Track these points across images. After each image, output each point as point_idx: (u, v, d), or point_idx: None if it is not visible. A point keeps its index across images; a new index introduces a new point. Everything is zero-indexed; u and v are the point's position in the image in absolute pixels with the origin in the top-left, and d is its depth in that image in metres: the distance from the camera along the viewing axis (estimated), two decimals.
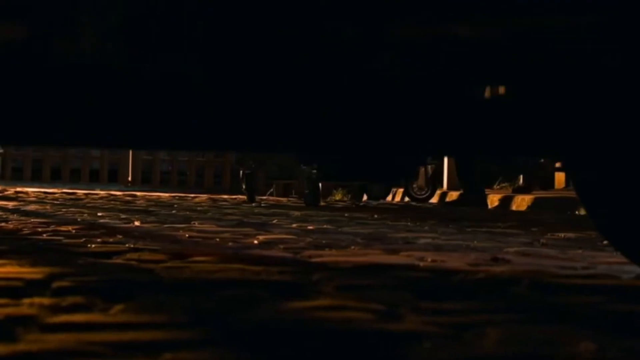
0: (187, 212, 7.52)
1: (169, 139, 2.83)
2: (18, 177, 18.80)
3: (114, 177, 19.52)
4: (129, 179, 19.43)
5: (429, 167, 11.33)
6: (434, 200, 12.72)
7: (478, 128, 2.77)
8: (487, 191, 12.06)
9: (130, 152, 18.83)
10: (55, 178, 19.11)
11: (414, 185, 11.60)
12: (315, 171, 10.10)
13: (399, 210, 9.77)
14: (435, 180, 12.02)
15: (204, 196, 13.52)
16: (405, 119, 2.76)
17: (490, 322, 1.93)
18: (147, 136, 2.74)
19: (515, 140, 2.74)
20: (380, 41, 2.64)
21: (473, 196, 11.25)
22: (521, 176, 12.94)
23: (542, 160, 12.27)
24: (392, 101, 2.76)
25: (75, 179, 19.26)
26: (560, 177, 14.80)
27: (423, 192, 11.58)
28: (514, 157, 11.13)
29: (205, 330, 1.81)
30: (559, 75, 2.59)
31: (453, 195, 12.07)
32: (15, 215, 6.37)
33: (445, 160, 12.97)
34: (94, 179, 19.26)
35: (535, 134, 2.72)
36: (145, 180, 19.52)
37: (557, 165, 14.23)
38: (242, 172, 11.73)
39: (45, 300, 2.13)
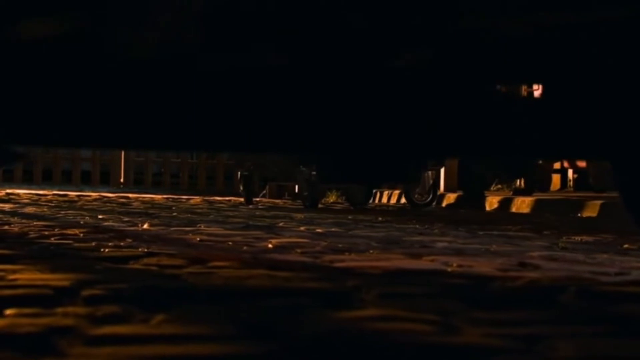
0: (189, 215, 7.41)
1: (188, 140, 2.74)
2: (8, 178, 18.63)
3: (104, 179, 19.38)
4: (121, 180, 19.29)
5: (431, 173, 11.20)
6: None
7: (515, 130, 2.67)
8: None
9: (122, 154, 18.70)
10: (45, 179, 18.95)
11: (416, 191, 11.44)
12: (314, 173, 9.99)
13: (399, 213, 9.68)
14: (436, 187, 11.90)
15: (197, 198, 13.41)
16: (431, 119, 2.66)
17: (557, 334, 1.83)
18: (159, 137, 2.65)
19: (559, 142, 2.64)
20: (401, 38, 2.54)
21: (472, 198, 11.16)
22: (520, 178, 12.86)
23: (540, 161, 12.21)
24: (415, 100, 2.66)
25: (65, 180, 19.10)
26: (556, 179, 14.74)
27: (424, 198, 11.45)
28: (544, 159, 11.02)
29: (259, 344, 1.70)
30: (610, 75, 2.49)
31: (451, 197, 11.98)
32: (15, 218, 6.25)
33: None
34: (85, 181, 19.11)
35: (580, 135, 2.62)
36: (136, 182, 19.39)
37: (556, 166, 14.19)
38: (240, 174, 11.62)
39: (80, 310, 2.03)
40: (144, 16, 2.41)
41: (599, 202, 9.07)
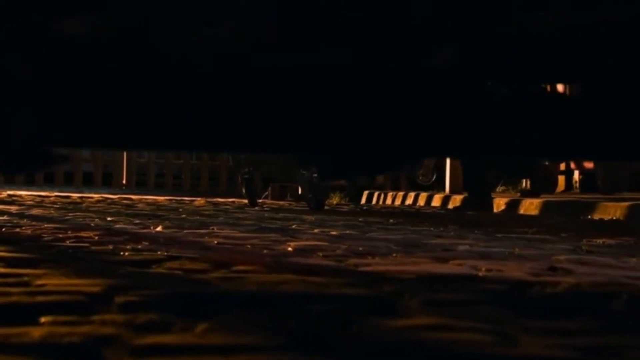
0: (198, 217, 7.32)
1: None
2: (8, 179, 18.53)
3: (105, 180, 19.30)
4: (124, 181, 19.21)
5: None
6: (437, 203, 12.57)
7: (557, 129, 2.60)
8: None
9: (125, 155, 18.64)
10: (46, 180, 18.87)
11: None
12: (315, 175, 9.87)
13: (406, 214, 9.60)
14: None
15: (201, 199, 13.33)
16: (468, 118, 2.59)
17: (621, 344, 1.75)
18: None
19: (599, 142, 2.57)
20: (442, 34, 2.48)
21: (478, 200, 11.07)
22: (527, 179, 12.80)
23: (547, 162, 12.13)
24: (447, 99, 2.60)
25: (67, 181, 19.02)
26: (560, 180, 14.68)
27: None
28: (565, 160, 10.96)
29: (316, 356, 1.62)
30: None
31: (456, 199, 11.90)
32: (24, 220, 6.16)
33: (448, 162, 12.80)
34: (86, 182, 19.04)
35: (619, 136, 2.55)
36: (138, 183, 19.31)
37: (561, 167, 14.12)
38: (241, 177, 11.52)
39: (117, 318, 1.95)
40: (146, 19, 2.35)
41: (609, 203, 8.99)
